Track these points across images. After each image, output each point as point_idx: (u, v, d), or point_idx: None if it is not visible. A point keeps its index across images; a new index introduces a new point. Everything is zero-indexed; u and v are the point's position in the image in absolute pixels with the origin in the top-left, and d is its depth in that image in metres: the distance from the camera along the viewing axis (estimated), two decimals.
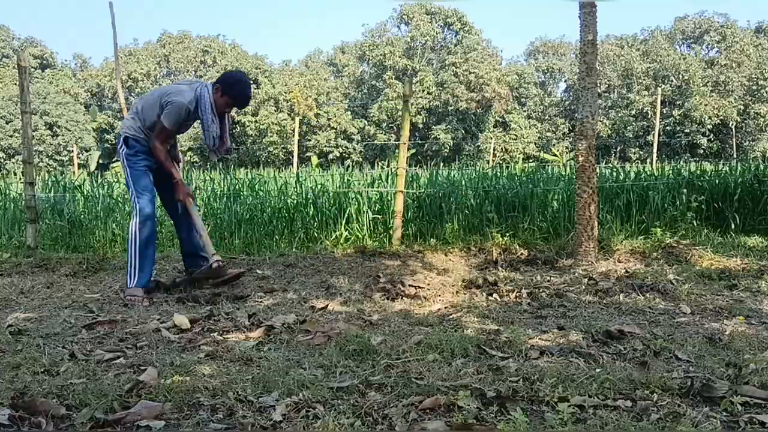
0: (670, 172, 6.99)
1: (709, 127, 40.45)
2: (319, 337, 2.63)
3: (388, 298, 3.52)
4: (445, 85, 42.79)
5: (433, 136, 41.94)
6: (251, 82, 3.69)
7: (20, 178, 6.99)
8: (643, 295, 3.48)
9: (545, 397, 1.89)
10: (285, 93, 42.40)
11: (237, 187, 6.63)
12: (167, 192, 3.94)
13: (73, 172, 16.38)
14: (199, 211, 4.46)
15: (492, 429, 1.69)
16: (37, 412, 1.78)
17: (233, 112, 4.02)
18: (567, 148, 35.90)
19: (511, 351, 2.41)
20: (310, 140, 41.26)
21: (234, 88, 3.72)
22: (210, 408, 1.85)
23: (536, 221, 5.73)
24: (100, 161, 18.43)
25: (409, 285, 3.85)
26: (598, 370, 2.11)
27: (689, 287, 3.62)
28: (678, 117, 40.74)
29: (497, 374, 2.13)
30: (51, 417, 1.77)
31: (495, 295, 3.60)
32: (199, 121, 3.77)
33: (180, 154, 4.14)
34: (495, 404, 1.84)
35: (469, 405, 1.82)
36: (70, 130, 40.18)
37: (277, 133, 41.72)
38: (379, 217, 5.75)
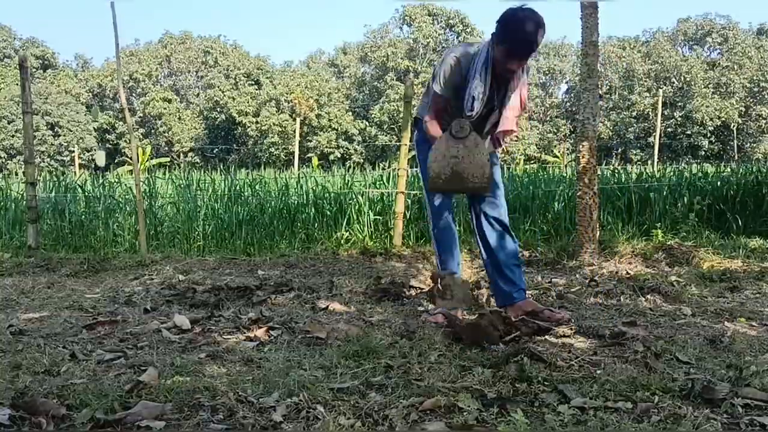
0: (672, 173, 6.98)
1: (711, 128, 40.42)
2: (319, 338, 2.63)
3: (389, 299, 3.52)
4: None
5: None
6: (521, 20, 2.65)
7: (22, 179, 6.99)
8: (645, 297, 3.48)
9: (546, 398, 1.89)
10: (286, 94, 42.44)
11: (238, 187, 6.63)
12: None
13: (75, 173, 16.40)
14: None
15: (492, 430, 1.69)
16: (37, 412, 1.78)
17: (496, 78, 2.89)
18: (568, 149, 35.85)
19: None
20: (311, 141, 41.28)
21: (506, 30, 2.71)
22: (210, 408, 1.85)
23: (537, 223, 5.73)
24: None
25: (411, 286, 3.85)
26: (598, 372, 2.10)
27: (690, 289, 3.61)
28: (679, 119, 40.70)
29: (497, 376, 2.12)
30: (51, 417, 1.77)
31: None
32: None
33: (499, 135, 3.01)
34: (495, 405, 1.84)
35: (469, 406, 1.82)
36: (71, 131, 40.26)
37: (278, 134, 41.75)
38: (380, 218, 5.75)
